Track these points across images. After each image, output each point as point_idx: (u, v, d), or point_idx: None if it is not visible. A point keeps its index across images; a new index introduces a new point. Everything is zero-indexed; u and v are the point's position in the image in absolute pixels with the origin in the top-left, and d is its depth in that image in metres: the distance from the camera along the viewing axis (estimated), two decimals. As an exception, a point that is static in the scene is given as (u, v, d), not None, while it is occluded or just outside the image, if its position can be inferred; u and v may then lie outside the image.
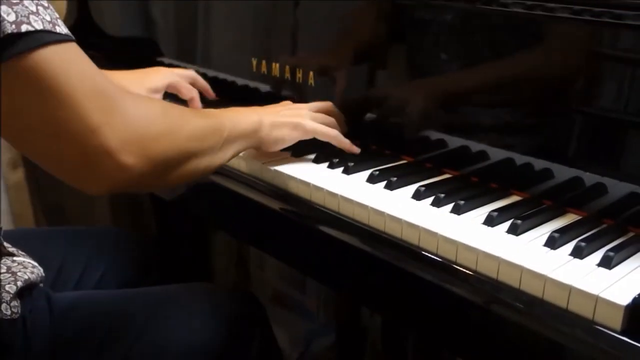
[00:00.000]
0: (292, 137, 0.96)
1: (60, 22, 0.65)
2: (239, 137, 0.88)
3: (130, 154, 0.68)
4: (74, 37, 0.66)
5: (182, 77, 1.20)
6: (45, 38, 0.62)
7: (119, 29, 1.65)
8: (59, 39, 0.64)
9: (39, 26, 0.62)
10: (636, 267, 0.68)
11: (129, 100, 0.71)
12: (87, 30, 1.68)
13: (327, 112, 1.02)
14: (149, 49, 1.50)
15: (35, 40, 0.62)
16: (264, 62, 1.19)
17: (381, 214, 0.81)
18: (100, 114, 0.66)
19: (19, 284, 0.86)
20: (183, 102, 1.19)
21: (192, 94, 1.20)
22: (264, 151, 0.97)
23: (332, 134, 0.98)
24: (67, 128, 0.65)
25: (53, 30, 0.63)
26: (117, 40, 1.65)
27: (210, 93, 1.24)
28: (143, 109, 0.73)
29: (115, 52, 1.64)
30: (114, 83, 0.69)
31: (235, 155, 0.89)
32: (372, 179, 0.91)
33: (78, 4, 1.68)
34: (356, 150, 0.99)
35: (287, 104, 1.03)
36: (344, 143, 0.98)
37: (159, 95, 1.17)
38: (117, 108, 0.68)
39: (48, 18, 0.63)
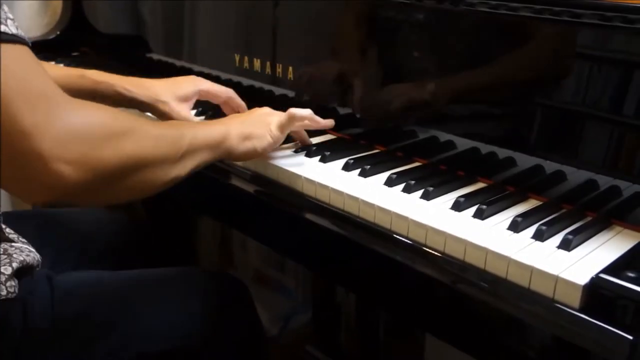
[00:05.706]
0: (263, 149, 0.87)
1: (10, 22, 0.59)
2: (202, 148, 0.78)
3: (65, 162, 0.58)
4: (23, 39, 0.59)
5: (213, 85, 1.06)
6: None
7: (110, 26, 1.63)
8: (3, 38, 0.57)
9: None
10: (594, 249, 0.68)
11: (72, 104, 0.61)
12: (80, 28, 1.65)
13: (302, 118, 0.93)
14: (139, 46, 1.48)
15: None
16: (246, 57, 1.17)
17: (355, 199, 0.80)
18: (33, 115, 0.57)
19: (15, 265, 0.83)
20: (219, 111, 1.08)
21: (228, 93, 1.04)
22: None
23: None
24: None
25: None
26: (108, 37, 1.63)
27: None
28: (88, 113, 0.63)
29: (107, 48, 1.63)
30: (59, 90, 0.61)
31: (199, 167, 0.78)
32: (347, 167, 0.89)
33: (72, 3, 1.66)
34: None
35: (255, 110, 0.93)
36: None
37: (190, 104, 1.03)
38: (55, 111, 0.59)
39: None
